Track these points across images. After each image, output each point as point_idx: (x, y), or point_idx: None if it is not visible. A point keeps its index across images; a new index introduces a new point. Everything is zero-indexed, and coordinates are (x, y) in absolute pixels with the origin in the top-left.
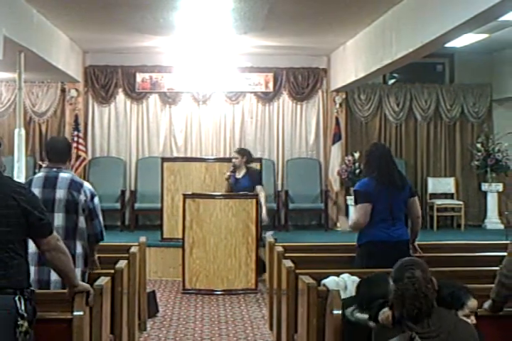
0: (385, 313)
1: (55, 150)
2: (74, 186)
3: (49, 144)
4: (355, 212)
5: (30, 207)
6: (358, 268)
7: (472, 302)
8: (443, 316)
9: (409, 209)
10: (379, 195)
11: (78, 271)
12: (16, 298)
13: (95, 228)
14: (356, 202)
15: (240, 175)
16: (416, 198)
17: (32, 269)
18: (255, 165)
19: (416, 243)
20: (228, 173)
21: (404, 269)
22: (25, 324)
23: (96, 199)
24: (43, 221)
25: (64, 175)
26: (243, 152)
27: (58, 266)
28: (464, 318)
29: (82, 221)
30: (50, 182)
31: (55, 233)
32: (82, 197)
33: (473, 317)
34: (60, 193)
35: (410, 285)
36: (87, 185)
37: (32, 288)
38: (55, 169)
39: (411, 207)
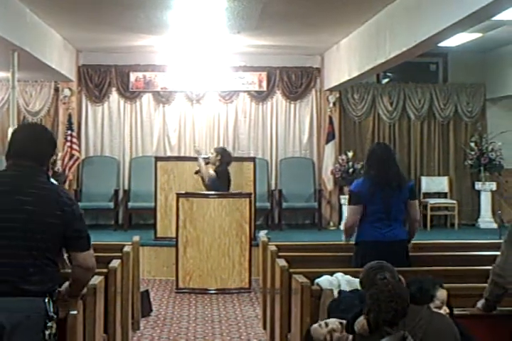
0: (360, 322)
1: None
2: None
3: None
4: (347, 212)
5: (73, 219)
6: (354, 267)
7: (441, 293)
8: (416, 313)
9: (409, 212)
10: (373, 195)
11: None
12: (46, 301)
13: None
14: (349, 203)
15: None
16: (416, 201)
17: None
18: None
19: (410, 244)
20: (198, 168)
21: (373, 273)
22: (54, 325)
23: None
24: (81, 234)
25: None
26: (220, 151)
27: (78, 282)
28: (437, 310)
29: None
30: None
31: (92, 251)
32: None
33: (445, 307)
34: None
35: (384, 287)
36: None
37: (58, 289)
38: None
39: (409, 209)
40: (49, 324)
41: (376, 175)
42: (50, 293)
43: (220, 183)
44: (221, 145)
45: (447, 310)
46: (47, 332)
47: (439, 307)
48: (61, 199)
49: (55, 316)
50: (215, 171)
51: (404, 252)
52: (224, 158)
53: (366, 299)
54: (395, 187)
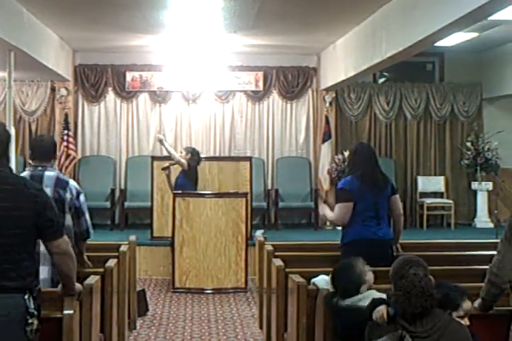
0: (380, 311)
1: (40, 149)
2: (60, 184)
3: (34, 143)
4: (336, 210)
5: (44, 209)
6: None
7: (467, 304)
8: (437, 316)
9: (391, 207)
10: (362, 193)
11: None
12: (26, 297)
13: (82, 226)
14: (337, 201)
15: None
16: (397, 196)
17: None
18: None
19: (399, 242)
20: (167, 164)
21: (407, 267)
22: (36, 322)
23: (82, 197)
24: (54, 222)
25: (49, 174)
26: (191, 150)
27: (64, 270)
28: (458, 319)
29: (68, 219)
30: (35, 181)
31: (66, 236)
32: (68, 195)
33: (466, 319)
34: (47, 191)
35: (417, 283)
36: (72, 182)
37: (39, 287)
38: (40, 168)
39: (392, 204)
40: (30, 320)
41: (363, 174)
42: (30, 289)
43: (188, 180)
44: (217, 144)
45: (468, 323)
46: (28, 329)
47: (461, 317)
48: (29, 191)
49: (36, 312)
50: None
51: (390, 251)
52: (194, 156)
53: (395, 290)
54: (381, 185)
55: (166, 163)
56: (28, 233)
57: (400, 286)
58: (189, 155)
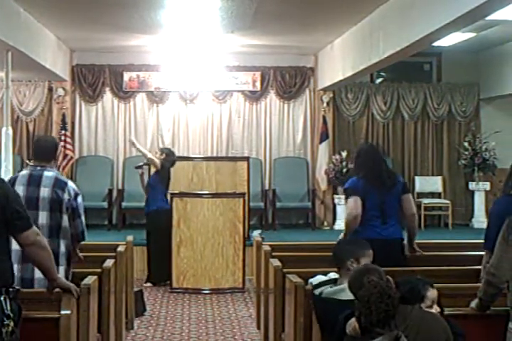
0: (352, 324)
1: (41, 149)
2: (58, 185)
3: (36, 142)
4: (348, 204)
5: (8, 201)
6: None
7: (431, 293)
8: (407, 313)
9: (403, 207)
10: (368, 193)
11: (62, 270)
12: (2, 298)
13: (77, 227)
14: (348, 196)
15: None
16: (409, 195)
17: (15, 267)
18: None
19: (415, 242)
20: (140, 163)
21: (360, 277)
22: (11, 323)
23: (79, 199)
24: (20, 214)
25: (48, 174)
26: (166, 150)
27: (38, 261)
28: (428, 309)
29: (65, 219)
30: (34, 181)
31: (34, 227)
32: (66, 196)
33: (436, 306)
34: (45, 191)
35: (372, 289)
36: (71, 184)
37: (17, 287)
38: (39, 167)
39: (404, 203)
40: (6, 322)
41: (368, 174)
42: (6, 290)
43: (159, 180)
44: (215, 144)
45: (438, 309)
46: (3, 330)
47: (430, 307)
48: None
49: (12, 314)
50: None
51: (400, 251)
52: (169, 157)
53: (356, 302)
54: (388, 184)
55: (140, 163)
56: None
57: (359, 298)
58: (164, 155)
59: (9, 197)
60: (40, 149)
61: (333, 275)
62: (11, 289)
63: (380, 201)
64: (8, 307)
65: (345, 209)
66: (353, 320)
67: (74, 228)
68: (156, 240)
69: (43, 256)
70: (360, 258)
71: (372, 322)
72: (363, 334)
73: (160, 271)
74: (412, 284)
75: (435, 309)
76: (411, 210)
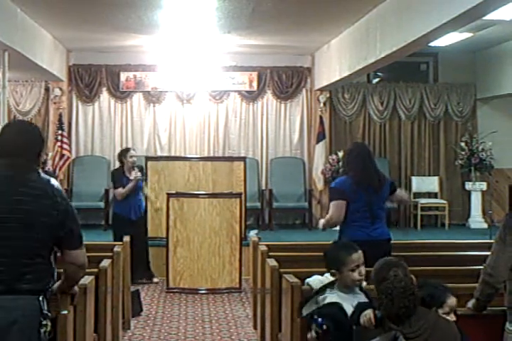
0: (367, 315)
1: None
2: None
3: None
4: (330, 208)
5: (67, 218)
6: None
7: (451, 300)
8: (423, 315)
9: (398, 199)
10: (355, 193)
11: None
12: (40, 299)
13: None
14: (331, 199)
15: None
16: (398, 191)
17: None
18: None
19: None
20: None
21: (386, 269)
22: (49, 323)
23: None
24: (74, 233)
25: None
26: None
27: (71, 279)
28: (444, 316)
29: None
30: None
31: (83, 248)
32: None
33: (452, 315)
34: None
35: (397, 283)
36: (53, 181)
37: (52, 289)
38: None
39: (398, 195)
40: (44, 322)
41: (356, 174)
42: (44, 291)
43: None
44: (211, 144)
45: (454, 318)
46: (42, 330)
47: (447, 314)
48: (55, 198)
49: (49, 314)
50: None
51: (389, 251)
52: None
53: (377, 293)
54: (377, 185)
55: (139, 173)
56: (46, 239)
57: (381, 289)
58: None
59: (68, 214)
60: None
61: (330, 275)
62: (48, 290)
63: (369, 202)
64: (46, 308)
65: (330, 207)
66: (370, 311)
67: None
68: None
69: (79, 277)
70: (340, 268)
71: (391, 315)
72: (375, 326)
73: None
74: (434, 289)
75: (451, 317)
76: (406, 197)
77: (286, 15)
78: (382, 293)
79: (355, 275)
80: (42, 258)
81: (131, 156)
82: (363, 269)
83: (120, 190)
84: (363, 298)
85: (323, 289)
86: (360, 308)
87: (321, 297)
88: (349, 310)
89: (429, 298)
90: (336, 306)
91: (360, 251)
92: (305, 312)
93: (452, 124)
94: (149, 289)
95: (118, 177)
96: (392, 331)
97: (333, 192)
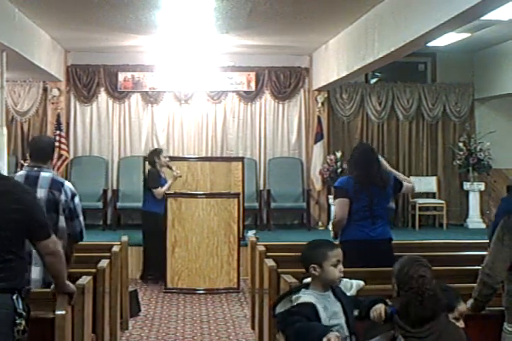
0: (378, 310)
1: (38, 150)
2: (55, 185)
3: (32, 143)
4: (335, 206)
5: (32, 211)
6: None
7: (462, 306)
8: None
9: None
10: (357, 193)
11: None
12: (14, 297)
13: (75, 228)
14: (335, 198)
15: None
16: (404, 187)
17: None
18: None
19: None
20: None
21: (415, 267)
22: (23, 322)
23: (76, 199)
24: (41, 223)
25: (45, 175)
26: None
27: (53, 271)
28: (454, 321)
29: (62, 220)
30: (31, 181)
31: (53, 237)
32: (62, 197)
33: (462, 321)
34: (41, 192)
35: (428, 285)
36: (67, 184)
37: (28, 287)
38: (36, 168)
39: (405, 186)
40: (18, 320)
41: (359, 175)
42: (18, 289)
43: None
44: (210, 145)
45: (463, 324)
46: (15, 329)
47: (457, 319)
48: (17, 192)
49: (24, 313)
50: None
51: (389, 251)
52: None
53: (402, 290)
54: (379, 185)
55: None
56: (16, 235)
57: (410, 288)
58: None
59: (34, 206)
60: (36, 150)
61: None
62: (23, 289)
63: (370, 202)
64: (21, 307)
65: (335, 206)
66: (381, 305)
67: (71, 229)
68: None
69: (58, 265)
70: (322, 263)
71: (415, 317)
72: (385, 321)
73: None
74: (446, 292)
75: (461, 323)
76: (410, 185)
77: (284, 15)
78: (412, 293)
79: (337, 271)
80: (13, 254)
81: (164, 156)
82: (341, 267)
83: (160, 189)
84: (334, 299)
85: (297, 289)
86: (372, 302)
87: (294, 296)
88: (322, 310)
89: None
90: (309, 306)
91: (339, 248)
92: (278, 310)
93: (450, 124)
94: (147, 289)
95: (156, 177)
96: (390, 331)
97: (335, 191)
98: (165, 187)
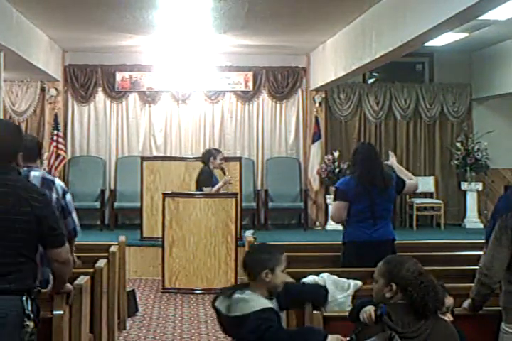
0: (368, 311)
1: (26, 149)
2: (46, 184)
3: None
4: (332, 208)
5: (44, 215)
6: (341, 267)
7: (448, 300)
8: None
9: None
10: (359, 194)
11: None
12: (24, 299)
13: (69, 225)
14: (334, 199)
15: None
16: (407, 186)
17: None
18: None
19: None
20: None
21: (416, 264)
22: (32, 324)
23: (68, 196)
24: (55, 231)
25: (35, 174)
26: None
27: (59, 277)
28: (441, 316)
29: None
30: None
31: (67, 245)
32: (54, 195)
33: (449, 315)
34: None
35: (435, 282)
36: (58, 182)
37: (38, 288)
38: (26, 168)
39: (407, 186)
40: (27, 322)
41: (361, 175)
42: (28, 291)
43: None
44: (207, 145)
45: (451, 318)
46: (24, 330)
47: (444, 314)
48: (30, 195)
49: (33, 315)
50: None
51: (391, 251)
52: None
53: (412, 287)
54: (380, 186)
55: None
56: (28, 237)
57: (422, 282)
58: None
59: (47, 211)
60: (24, 149)
61: (326, 275)
62: (33, 290)
63: (371, 202)
64: (29, 308)
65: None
66: (370, 307)
67: (65, 226)
68: None
69: (65, 274)
70: (275, 268)
71: (437, 305)
72: (375, 323)
73: None
74: None
75: (448, 317)
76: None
77: (282, 15)
78: (425, 285)
79: (284, 276)
80: (24, 257)
81: (221, 159)
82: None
83: (210, 188)
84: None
85: (240, 288)
86: (361, 304)
87: (239, 296)
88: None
89: None
90: (273, 312)
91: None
92: (219, 306)
93: (448, 124)
94: (145, 289)
95: (209, 176)
96: (388, 331)
97: (336, 192)
98: (215, 188)
